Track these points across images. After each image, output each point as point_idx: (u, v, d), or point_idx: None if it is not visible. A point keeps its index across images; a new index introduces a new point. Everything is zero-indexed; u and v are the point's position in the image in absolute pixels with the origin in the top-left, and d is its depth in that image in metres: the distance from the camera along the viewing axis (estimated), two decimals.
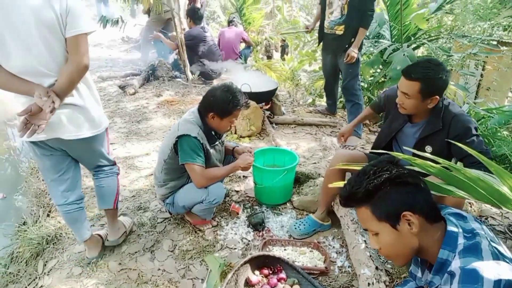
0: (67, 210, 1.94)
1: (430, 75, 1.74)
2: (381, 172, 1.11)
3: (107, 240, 2.16)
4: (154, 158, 3.23)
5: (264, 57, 7.92)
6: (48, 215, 2.67)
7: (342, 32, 3.46)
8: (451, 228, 1.10)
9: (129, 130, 3.82)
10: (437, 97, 1.78)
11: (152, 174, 2.96)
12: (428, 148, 1.90)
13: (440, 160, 1.10)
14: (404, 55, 3.64)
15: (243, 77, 3.94)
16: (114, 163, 2.10)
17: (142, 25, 6.92)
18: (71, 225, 2.00)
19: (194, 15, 5.22)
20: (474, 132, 1.77)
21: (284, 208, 2.52)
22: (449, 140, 1.74)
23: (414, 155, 1.89)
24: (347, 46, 3.47)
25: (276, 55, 9.51)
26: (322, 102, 5.19)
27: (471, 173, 1.05)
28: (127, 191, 2.79)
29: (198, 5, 6.12)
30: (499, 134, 4.54)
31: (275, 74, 6.40)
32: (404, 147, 1.99)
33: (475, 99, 6.51)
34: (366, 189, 1.10)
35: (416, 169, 1.16)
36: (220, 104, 2.08)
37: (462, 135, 1.77)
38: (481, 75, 7.09)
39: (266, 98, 3.98)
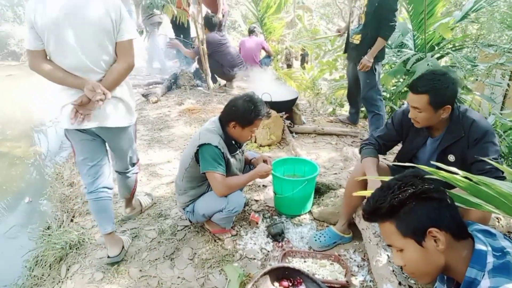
0: (97, 197, 2.08)
1: (436, 86, 1.72)
2: (406, 187, 1.08)
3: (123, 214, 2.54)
4: (175, 166, 3.27)
5: (284, 66, 7.95)
6: (71, 220, 2.73)
7: (358, 41, 3.45)
8: (479, 246, 1.06)
9: (151, 138, 3.89)
10: (449, 106, 1.75)
11: (173, 182, 3.00)
12: (451, 157, 1.85)
13: (468, 175, 1.07)
14: (428, 65, 3.58)
15: (264, 86, 3.97)
16: (138, 161, 2.41)
17: (166, 35, 7.08)
18: (98, 214, 2.12)
19: (208, 23, 5.27)
20: (492, 138, 1.72)
21: (304, 219, 2.50)
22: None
23: (438, 168, 1.85)
24: (363, 56, 3.43)
25: (296, 63, 9.53)
26: (343, 112, 5.16)
27: (501, 188, 1.02)
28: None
29: (220, 15, 6.22)
30: None
31: (295, 83, 6.41)
32: (431, 162, 1.95)
33: (501, 110, 6.33)
34: (390, 204, 1.08)
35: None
36: (242, 114, 2.09)
37: (479, 139, 1.73)
38: (508, 85, 6.88)
39: (286, 107, 3.97)
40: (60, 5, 1.72)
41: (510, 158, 4.13)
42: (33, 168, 4.45)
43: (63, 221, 2.76)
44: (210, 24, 5.25)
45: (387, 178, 1.23)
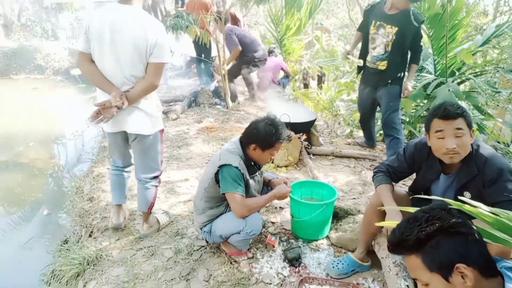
0: (115, 173, 2.58)
1: (464, 109, 1.73)
2: (434, 220, 1.06)
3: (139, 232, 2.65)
4: (192, 184, 3.29)
5: (301, 85, 8.00)
6: (90, 236, 2.76)
7: (384, 67, 3.46)
8: (509, 285, 1.03)
9: (170, 155, 3.94)
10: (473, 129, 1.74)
11: (190, 200, 3.01)
12: (467, 194, 1.80)
13: (494, 210, 1.05)
14: (449, 90, 3.55)
15: (283, 107, 3.99)
16: (160, 173, 2.54)
17: (187, 54, 7.25)
18: (114, 187, 2.61)
19: (225, 19, 5.26)
20: (509, 176, 1.66)
21: (322, 244, 2.46)
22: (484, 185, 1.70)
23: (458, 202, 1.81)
24: (389, 81, 3.47)
25: (313, 83, 9.57)
26: (360, 133, 5.13)
27: None
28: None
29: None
30: None
31: (312, 103, 6.43)
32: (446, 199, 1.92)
33: None
34: (417, 237, 1.06)
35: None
36: (263, 137, 2.12)
37: (496, 178, 1.68)
38: None
39: (304, 128, 3.98)
40: (110, 21, 2.05)
41: None
42: (52, 180, 4.55)
43: (81, 236, 2.79)
44: (223, 18, 5.19)
45: (405, 209, 1.22)
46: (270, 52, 6.54)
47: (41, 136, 6.02)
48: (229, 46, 5.30)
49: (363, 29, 3.60)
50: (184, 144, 4.23)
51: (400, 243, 1.11)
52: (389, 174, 2.07)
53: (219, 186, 2.14)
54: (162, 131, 2.45)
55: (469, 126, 1.72)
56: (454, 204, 1.13)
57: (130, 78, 2.13)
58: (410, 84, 3.53)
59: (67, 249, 2.58)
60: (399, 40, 3.31)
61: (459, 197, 1.14)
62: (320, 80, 11.48)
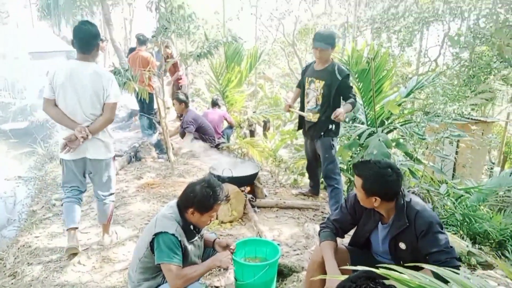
0: (70, 200, 2.92)
1: (371, 175, 1.86)
2: None
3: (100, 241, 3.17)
4: (129, 249, 3.07)
5: (247, 132, 8.13)
6: None
7: (316, 120, 3.63)
8: None
9: None
10: (378, 198, 1.87)
11: (127, 268, 2.79)
12: (402, 245, 1.94)
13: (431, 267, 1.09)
14: (379, 140, 3.78)
15: (225, 162, 4.00)
16: (114, 191, 3.13)
17: (128, 106, 7.11)
18: (68, 213, 2.90)
19: (184, 101, 5.66)
20: (438, 228, 1.81)
21: None
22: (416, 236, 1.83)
23: (392, 255, 1.88)
24: (322, 133, 3.62)
25: (259, 128, 9.80)
26: (305, 180, 5.23)
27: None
28: None
29: (185, 81, 6.57)
30: (478, 211, 4.61)
31: (257, 151, 6.52)
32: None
33: (452, 178, 6.70)
34: None
35: (393, 282, 1.14)
36: (200, 200, 2.07)
37: (426, 231, 1.81)
38: (456, 152, 7.35)
39: (247, 182, 3.98)
40: (72, 74, 2.67)
41: (465, 224, 4.30)
42: None
43: None
44: (186, 101, 5.66)
45: (341, 278, 1.23)
46: (215, 104, 6.65)
47: None
48: (185, 128, 5.58)
49: (301, 86, 3.84)
50: (122, 203, 4.00)
51: None
52: (336, 230, 2.15)
53: (155, 256, 2.02)
54: (114, 157, 3.04)
55: (367, 190, 1.88)
56: (380, 272, 1.15)
57: (90, 116, 2.74)
58: (342, 109, 3.40)
59: None
60: (327, 93, 3.52)
61: (379, 266, 1.17)
62: (265, 126, 11.80)
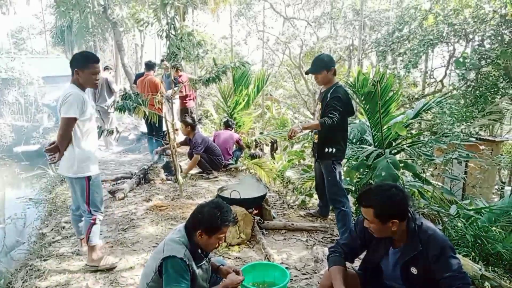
0: (72, 217, 3.21)
1: (380, 201, 1.84)
2: None
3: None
4: (137, 273, 3.06)
5: (257, 150, 8.18)
6: None
7: (317, 140, 3.69)
8: None
9: (115, 240, 3.70)
10: (395, 220, 1.84)
11: None
12: (413, 270, 1.91)
13: None
14: (387, 161, 3.78)
15: (233, 184, 4.02)
16: (90, 212, 2.98)
17: (138, 128, 7.24)
18: (74, 226, 3.29)
19: (191, 125, 5.78)
20: (450, 252, 1.80)
21: None
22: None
23: (404, 280, 1.86)
24: (321, 155, 3.64)
25: (267, 148, 9.84)
26: (313, 200, 5.20)
27: None
28: None
29: (191, 104, 6.77)
30: (490, 232, 4.51)
31: (265, 172, 6.54)
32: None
33: (462, 198, 6.59)
34: None
35: None
36: (209, 221, 2.08)
37: (439, 255, 1.79)
38: (465, 172, 7.26)
39: (255, 204, 3.97)
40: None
41: (477, 245, 4.20)
42: None
43: None
44: (193, 125, 5.82)
45: None
46: (228, 126, 6.76)
47: None
48: (193, 149, 5.79)
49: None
50: (130, 226, 4.02)
51: None
52: (344, 254, 2.12)
53: (162, 280, 2.02)
54: (88, 178, 2.90)
55: (382, 217, 1.84)
56: None
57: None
58: (298, 127, 3.37)
59: None
60: (322, 115, 3.55)
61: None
62: (273, 146, 11.85)
